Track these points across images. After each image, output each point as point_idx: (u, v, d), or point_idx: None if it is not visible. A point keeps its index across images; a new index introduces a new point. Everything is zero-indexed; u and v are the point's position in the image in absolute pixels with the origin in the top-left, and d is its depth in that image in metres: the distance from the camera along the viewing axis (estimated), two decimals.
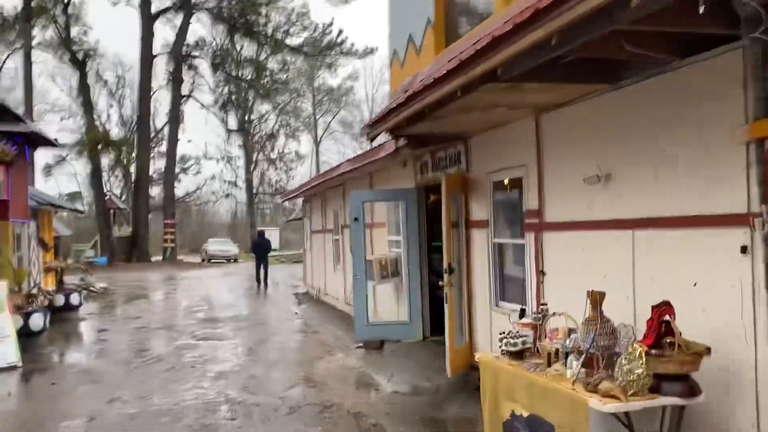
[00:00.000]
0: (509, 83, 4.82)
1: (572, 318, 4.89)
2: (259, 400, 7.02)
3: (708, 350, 3.84)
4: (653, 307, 4.03)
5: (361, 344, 9.56)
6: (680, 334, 3.83)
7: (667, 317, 3.89)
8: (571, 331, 4.92)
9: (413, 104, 5.41)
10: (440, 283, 7.56)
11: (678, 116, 4.44)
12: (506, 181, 6.91)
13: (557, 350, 4.71)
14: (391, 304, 10.22)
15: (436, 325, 9.50)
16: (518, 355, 4.94)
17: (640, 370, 3.82)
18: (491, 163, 7.11)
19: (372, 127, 6.77)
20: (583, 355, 4.16)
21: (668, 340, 3.89)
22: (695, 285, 4.31)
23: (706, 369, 3.89)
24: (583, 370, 4.19)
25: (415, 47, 6.75)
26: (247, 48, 39.49)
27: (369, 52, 38.87)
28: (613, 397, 3.78)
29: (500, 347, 5.12)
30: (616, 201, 5.11)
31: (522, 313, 6.53)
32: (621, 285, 5.04)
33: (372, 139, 7.20)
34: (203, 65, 40.11)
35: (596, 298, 4.62)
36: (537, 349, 5.12)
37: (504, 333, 5.12)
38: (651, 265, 4.74)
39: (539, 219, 6.22)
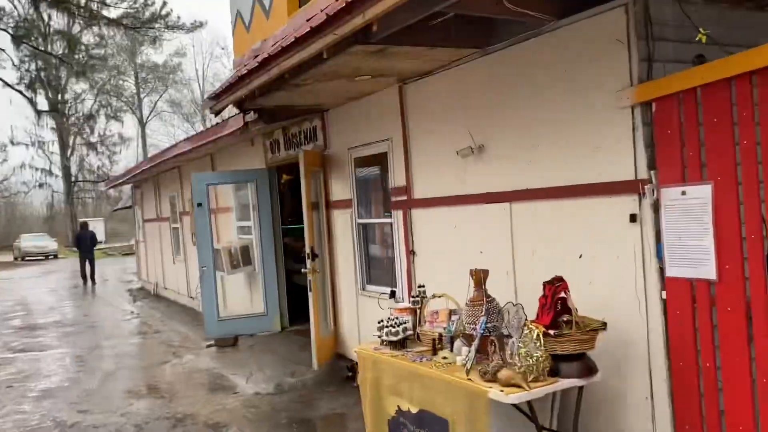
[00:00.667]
0: (380, 45, 4.33)
1: (453, 299, 4.57)
2: (97, 420, 6.01)
3: (604, 325, 3.66)
4: (546, 284, 3.78)
5: (212, 342, 8.71)
6: (577, 311, 3.62)
7: (562, 294, 3.65)
8: (452, 313, 4.61)
9: (269, 69, 4.73)
10: (303, 269, 6.97)
11: (558, 81, 4.21)
12: (370, 157, 6.45)
13: (440, 335, 4.36)
14: (243, 296, 9.44)
15: (294, 314, 8.91)
16: (400, 344, 4.53)
17: (538, 353, 3.56)
18: (352, 137, 6.61)
19: (217, 99, 5.96)
20: (476, 341, 3.83)
21: (565, 318, 3.66)
22: (581, 257, 4.14)
23: (600, 344, 3.72)
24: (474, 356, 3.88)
25: (263, 8, 6.02)
26: (57, 19, 35.41)
27: (198, 26, 36.40)
28: (514, 385, 3.47)
29: (380, 337, 4.68)
30: (492, 173, 4.85)
31: (392, 295, 6.18)
32: (499, 261, 4.80)
33: (217, 113, 6.37)
34: (4, 38, 35.38)
35: (480, 277, 4.32)
36: (418, 335, 4.76)
37: (383, 321, 4.68)
38: (532, 239, 4.52)
39: (407, 196, 5.85)
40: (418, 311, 4.81)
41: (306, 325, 7.37)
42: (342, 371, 6.94)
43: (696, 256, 3.43)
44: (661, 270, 3.68)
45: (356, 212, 6.78)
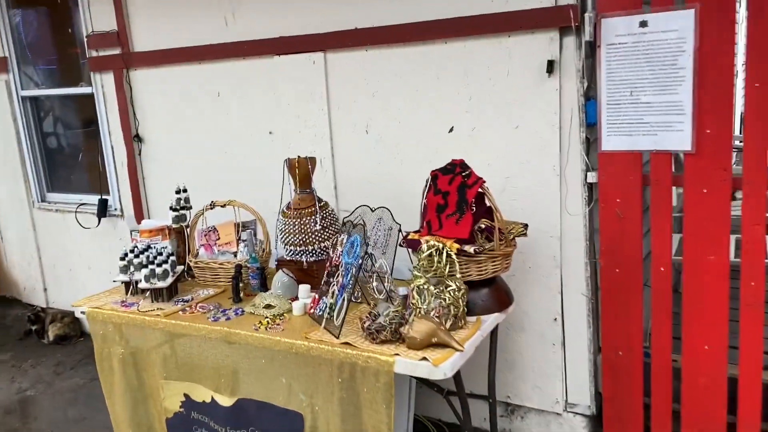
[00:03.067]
0: None
1: (249, 208, 2.84)
2: None
3: (525, 229, 2.44)
4: (439, 174, 2.36)
5: None
6: (501, 215, 2.30)
7: (478, 189, 2.28)
8: (241, 228, 2.90)
9: None
10: None
11: None
12: None
13: (239, 268, 2.66)
14: None
15: None
16: (168, 292, 2.67)
17: (454, 286, 2.18)
18: None
19: None
20: (348, 277, 2.25)
21: (482, 225, 2.32)
22: (451, 131, 2.80)
23: None
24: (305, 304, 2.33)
25: None
26: None
27: None
28: (434, 346, 2.06)
29: (128, 283, 2.74)
30: (289, 3, 3.09)
31: (102, 208, 4.05)
32: (302, 144, 3.19)
33: None
34: None
35: (307, 170, 2.69)
36: (189, 270, 2.94)
37: (128, 253, 2.72)
38: (365, 108, 3.00)
39: (122, 48, 3.67)
40: (185, 232, 2.96)
41: None
42: (18, 323, 4.61)
43: (657, 118, 2.37)
44: (588, 142, 2.56)
45: (18, 79, 4.26)
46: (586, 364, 2.75)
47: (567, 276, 2.70)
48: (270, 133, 3.30)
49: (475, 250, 2.23)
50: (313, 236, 2.63)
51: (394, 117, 2.92)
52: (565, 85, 2.53)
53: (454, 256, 2.19)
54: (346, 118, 3.05)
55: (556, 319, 2.75)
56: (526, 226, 2.44)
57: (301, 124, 3.18)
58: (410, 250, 2.39)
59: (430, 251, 2.22)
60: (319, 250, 2.67)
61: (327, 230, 2.67)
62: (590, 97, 2.52)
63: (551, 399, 2.85)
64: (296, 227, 2.63)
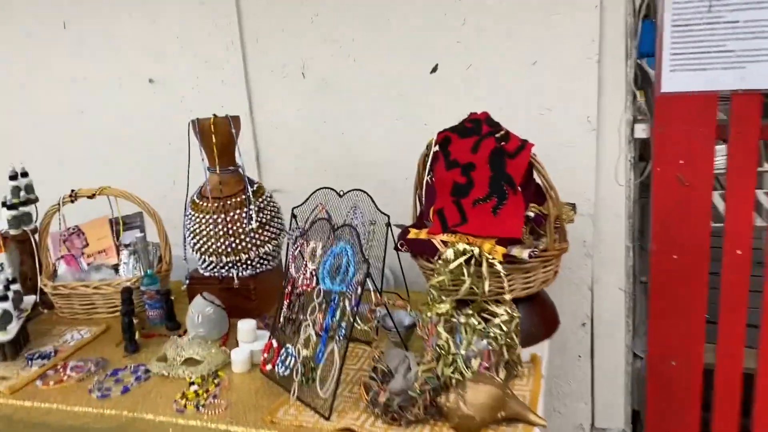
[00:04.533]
0: None
1: (132, 196, 1.83)
2: None
3: (574, 210, 1.68)
4: (458, 136, 1.52)
5: None
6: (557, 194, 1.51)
7: (530, 159, 1.46)
8: (126, 227, 1.90)
9: None
10: None
11: None
12: None
13: (127, 292, 1.68)
14: None
15: None
16: (3, 352, 1.64)
17: (505, 315, 1.38)
18: None
19: None
20: (343, 325, 1.36)
21: (529, 214, 1.51)
22: (435, 71, 1.95)
23: None
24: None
25: None
26: None
27: None
28: (499, 422, 1.26)
29: None
30: None
31: None
32: (203, 96, 2.20)
33: None
34: None
35: (228, 136, 1.75)
36: (43, 302, 1.90)
37: None
38: (306, 39, 2.05)
39: None
40: (32, 239, 1.90)
41: None
42: None
43: (747, 44, 1.66)
44: (637, 81, 1.82)
45: None
46: (621, 377, 2.09)
47: (600, 266, 1.99)
48: (150, 81, 2.26)
49: (531, 255, 1.43)
50: (247, 239, 1.71)
51: (346, 52, 2.01)
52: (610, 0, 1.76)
53: (499, 267, 1.38)
54: (269, 54, 2.09)
55: (584, 324, 2.05)
56: (574, 207, 1.68)
57: (199, 66, 2.17)
58: (416, 256, 1.55)
59: (458, 260, 1.40)
60: (257, 260, 1.75)
61: (268, 229, 1.75)
62: (646, 16, 1.76)
63: (573, 424, 2.18)
64: (218, 227, 1.69)
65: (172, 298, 1.78)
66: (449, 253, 1.41)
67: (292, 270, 1.48)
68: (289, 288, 1.48)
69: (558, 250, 1.51)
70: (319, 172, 2.14)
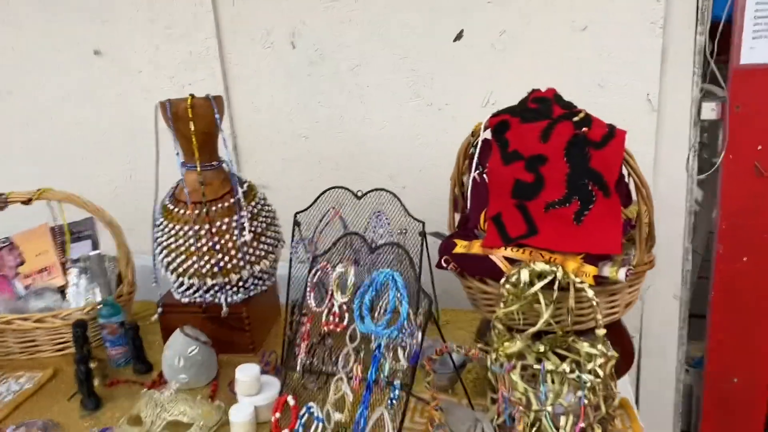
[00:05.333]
0: None
1: (80, 200, 1.42)
2: None
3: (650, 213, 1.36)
4: (520, 119, 1.17)
5: None
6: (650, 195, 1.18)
7: (623, 153, 1.12)
8: (75, 239, 1.49)
9: None
10: None
11: None
12: None
13: (85, 330, 1.28)
14: None
15: None
16: None
17: (600, 356, 1.05)
18: None
19: None
20: (398, 383, 1.01)
21: (629, 216, 1.18)
22: (459, 38, 1.59)
23: None
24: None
25: None
26: None
27: None
28: None
29: None
30: None
31: None
32: (165, 73, 1.78)
33: None
34: None
35: (210, 122, 1.35)
36: None
37: None
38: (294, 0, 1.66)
39: None
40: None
41: None
42: None
43: None
44: (706, 54, 1.51)
45: None
46: (670, 396, 1.81)
47: (654, 271, 1.69)
48: (96, 53, 1.81)
49: (628, 273, 1.10)
50: (239, 256, 1.32)
51: (347, 16, 1.63)
52: None
53: (590, 292, 1.05)
54: (250, 19, 1.69)
55: (632, 338, 1.75)
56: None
57: (159, 33, 1.75)
58: (466, 275, 1.20)
59: (537, 285, 1.06)
60: (251, 280, 1.37)
61: (264, 241, 1.37)
62: None
63: None
64: (201, 240, 1.30)
65: (138, 327, 1.38)
66: (524, 275, 1.07)
67: (311, 302, 1.11)
68: (308, 326, 1.11)
69: (648, 263, 1.20)
70: (312, 165, 1.77)
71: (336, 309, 1.05)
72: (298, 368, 1.09)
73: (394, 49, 1.63)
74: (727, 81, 1.49)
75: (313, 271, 1.10)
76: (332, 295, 1.06)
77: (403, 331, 0.95)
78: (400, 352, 0.95)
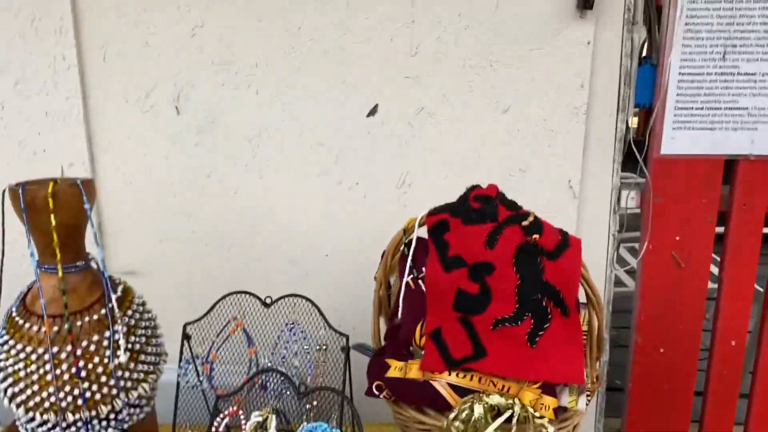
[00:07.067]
0: None
1: None
2: None
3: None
4: (462, 221, 1.02)
5: None
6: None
7: (580, 259, 0.99)
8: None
9: None
10: None
11: None
12: None
13: None
14: None
15: None
16: None
17: None
18: None
19: None
20: None
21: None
22: (373, 114, 1.43)
23: None
24: None
25: None
26: None
27: None
28: None
29: None
30: None
31: None
32: (14, 136, 1.46)
33: None
34: None
35: (78, 212, 1.09)
36: None
37: None
38: (181, 52, 1.41)
39: None
40: None
41: None
42: None
43: (763, 102, 1.38)
44: (626, 142, 1.46)
45: None
46: None
47: None
48: None
49: (588, 401, 0.97)
50: (112, 382, 1.04)
51: (245, 80, 1.41)
52: (603, 34, 1.37)
53: (550, 428, 0.91)
54: (124, 77, 1.42)
55: None
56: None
57: (6, 88, 1.43)
58: (402, 405, 1.01)
59: (495, 423, 0.90)
60: (126, 410, 1.08)
61: (143, 360, 1.09)
62: (644, 59, 1.41)
63: None
64: (61, 366, 1.00)
65: None
66: (477, 411, 0.90)
67: None
68: None
69: (597, 381, 1.08)
70: (197, 247, 1.51)
71: None
72: None
73: (301, 120, 1.43)
74: (647, 170, 1.45)
75: (219, 418, 0.86)
76: None
77: None
78: None
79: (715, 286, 1.53)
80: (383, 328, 1.14)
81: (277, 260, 1.51)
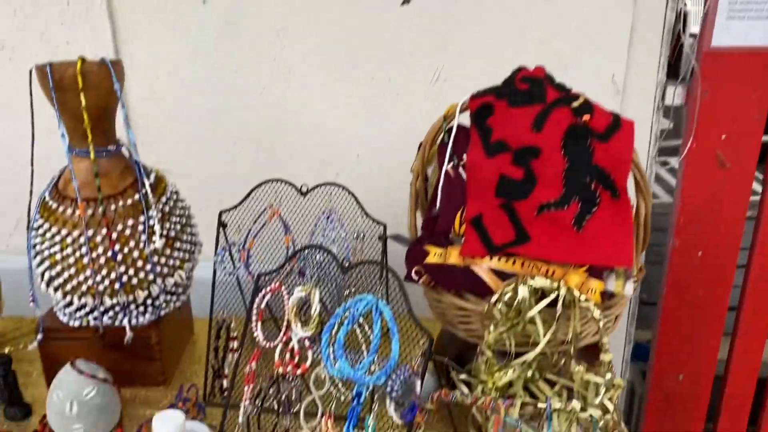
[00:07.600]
0: None
1: None
2: None
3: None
4: (508, 102, 0.97)
5: None
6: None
7: (632, 141, 0.95)
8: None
9: None
10: None
11: None
12: None
13: None
14: None
15: None
16: None
17: (608, 387, 0.89)
18: None
19: None
20: None
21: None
22: (407, 1, 1.36)
23: None
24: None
25: None
26: None
27: None
28: None
29: None
30: None
31: None
32: (27, 35, 1.41)
33: None
34: None
35: (107, 94, 1.04)
36: None
37: None
38: None
39: None
40: None
41: None
42: None
43: None
44: (673, 33, 1.39)
45: None
46: None
47: None
48: None
49: (634, 287, 0.95)
50: (148, 268, 1.03)
51: None
52: None
53: (596, 312, 0.89)
54: None
55: None
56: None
57: None
58: (440, 289, 0.99)
59: (539, 305, 0.88)
60: (162, 296, 1.08)
61: (178, 246, 1.08)
62: None
63: None
64: (96, 249, 0.99)
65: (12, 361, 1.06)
66: (522, 293, 0.88)
67: (258, 335, 0.85)
68: (253, 364, 0.86)
69: (641, 270, 1.05)
70: (225, 147, 1.48)
71: (295, 345, 0.81)
72: (240, 419, 0.84)
73: (330, 12, 1.37)
74: (689, 64, 1.37)
75: (261, 295, 0.84)
76: (290, 327, 0.81)
77: (393, 377, 0.73)
78: (389, 404, 0.73)
79: (759, 188, 1.48)
80: (420, 222, 1.12)
81: (307, 160, 1.48)
